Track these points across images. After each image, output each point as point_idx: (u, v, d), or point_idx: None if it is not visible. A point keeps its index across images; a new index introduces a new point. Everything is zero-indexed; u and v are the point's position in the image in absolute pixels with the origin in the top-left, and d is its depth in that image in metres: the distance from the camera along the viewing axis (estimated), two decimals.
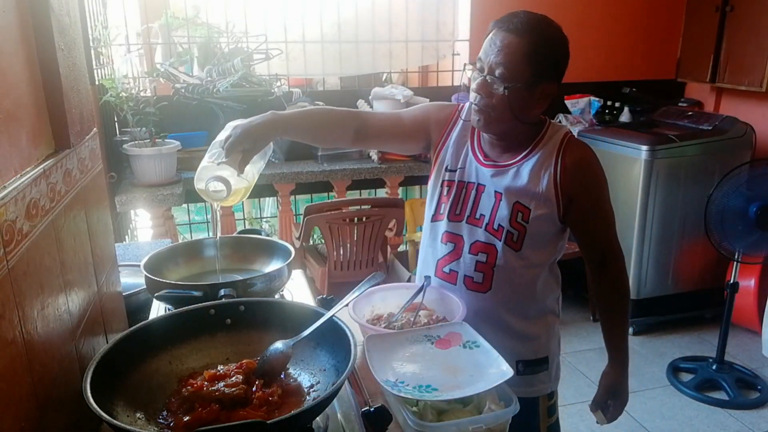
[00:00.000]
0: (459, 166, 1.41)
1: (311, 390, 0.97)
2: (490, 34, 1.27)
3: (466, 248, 1.39)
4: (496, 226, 1.35)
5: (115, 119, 3.08)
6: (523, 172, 1.33)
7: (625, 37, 3.82)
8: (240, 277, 1.27)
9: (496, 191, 1.35)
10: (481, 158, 1.39)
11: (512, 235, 1.34)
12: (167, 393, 0.95)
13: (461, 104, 1.45)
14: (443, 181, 1.43)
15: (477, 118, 1.31)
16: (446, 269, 1.43)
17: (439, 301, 1.40)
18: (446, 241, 1.42)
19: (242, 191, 1.32)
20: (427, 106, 1.50)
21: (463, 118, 1.42)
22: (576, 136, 1.38)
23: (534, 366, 1.43)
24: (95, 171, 1.13)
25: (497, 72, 1.24)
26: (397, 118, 1.48)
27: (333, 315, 1.01)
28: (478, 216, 1.38)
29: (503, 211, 1.34)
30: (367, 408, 0.98)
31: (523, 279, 1.38)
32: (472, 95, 1.30)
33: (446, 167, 1.43)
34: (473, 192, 1.39)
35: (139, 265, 1.33)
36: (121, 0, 3.13)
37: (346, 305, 1.12)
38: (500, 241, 1.35)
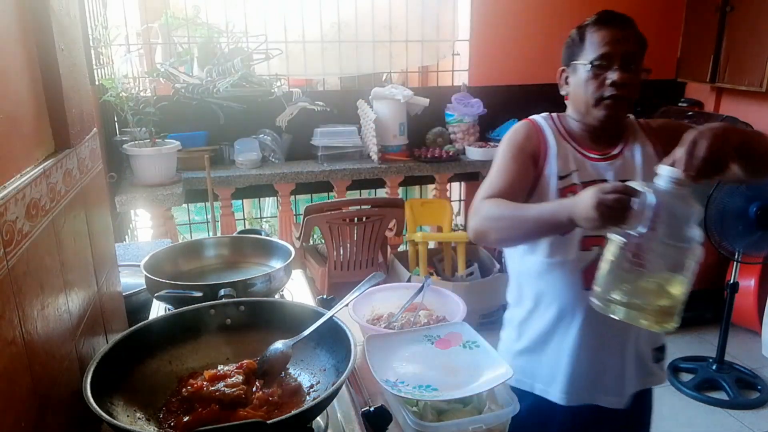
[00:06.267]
0: (572, 169, 1.36)
1: (311, 390, 0.96)
2: (595, 33, 1.33)
3: None
4: None
5: (115, 119, 3.08)
6: (635, 153, 1.37)
7: None
8: (240, 277, 1.27)
9: (620, 180, 1.30)
10: (590, 155, 1.38)
11: None
12: (167, 393, 0.95)
13: (533, 121, 1.41)
14: (561, 189, 1.35)
15: (614, 111, 1.33)
16: None
17: (439, 301, 1.40)
18: (591, 246, 1.32)
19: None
20: (511, 152, 1.38)
21: (547, 127, 1.39)
22: None
23: (661, 352, 1.45)
24: (95, 171, 1.13)
25: (636, 58, 1.32)
26: (512, 185, 1.35)
27: (333, 315, 1.01)
28: None
29: None
30: (367, 408, 0.98)
31: None
32: (611, 90, 1.30)
33: (557, 176, 1.35)
34: None
35: (139, 265, 1.33)
36: (121, 0, 3.14)
37: (346, 305, 1.12)
38: None
